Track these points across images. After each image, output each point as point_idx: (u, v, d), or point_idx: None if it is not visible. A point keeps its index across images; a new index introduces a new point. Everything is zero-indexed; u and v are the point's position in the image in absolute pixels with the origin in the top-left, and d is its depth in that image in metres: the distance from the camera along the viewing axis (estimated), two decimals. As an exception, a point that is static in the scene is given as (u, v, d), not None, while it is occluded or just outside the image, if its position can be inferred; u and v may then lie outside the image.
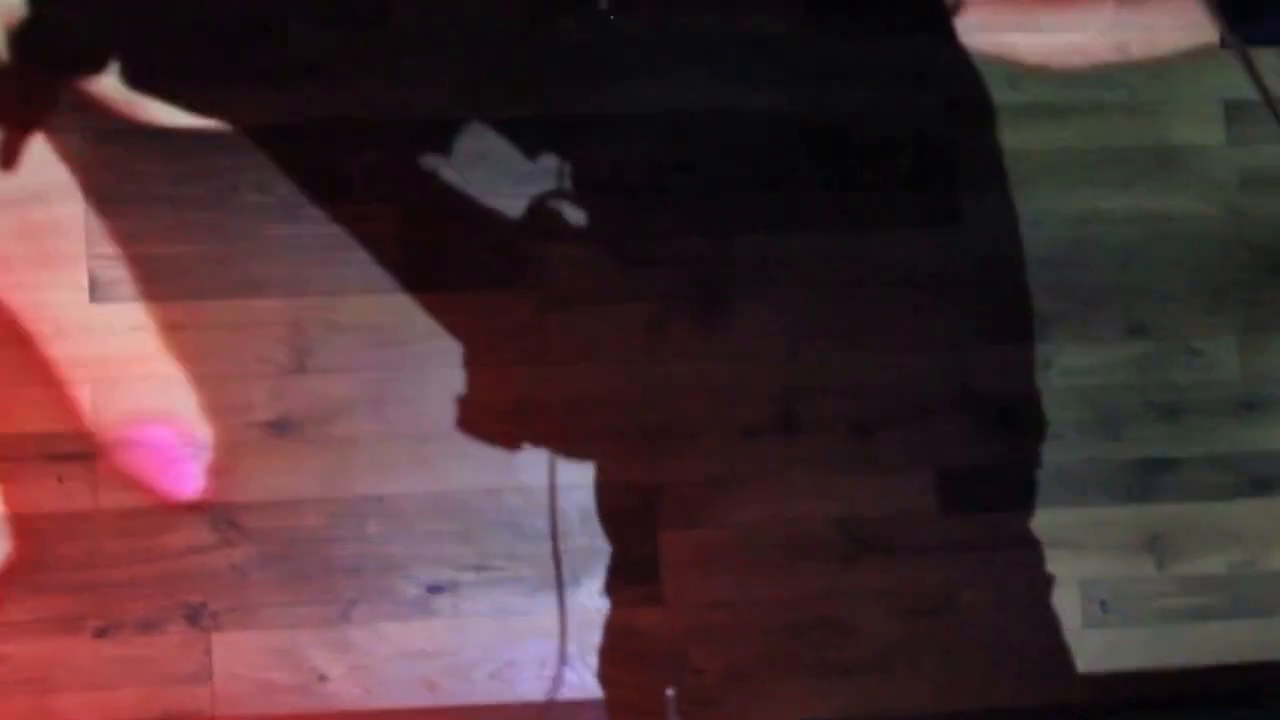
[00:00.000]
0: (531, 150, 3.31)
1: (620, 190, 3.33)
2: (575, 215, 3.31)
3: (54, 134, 3.18)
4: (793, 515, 3.33)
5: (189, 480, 3.17)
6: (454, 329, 3.26)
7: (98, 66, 3.18)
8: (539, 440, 3.27)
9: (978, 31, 3.45)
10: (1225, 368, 3.48)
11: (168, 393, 3.18)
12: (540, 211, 3.30)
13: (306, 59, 3.26)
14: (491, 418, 3.26)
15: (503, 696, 3.23)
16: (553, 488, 3.25)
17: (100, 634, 3.13)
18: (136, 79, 3.20)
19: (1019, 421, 3.41)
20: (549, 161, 3.31)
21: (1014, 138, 3.44)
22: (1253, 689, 3.41)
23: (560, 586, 3.25)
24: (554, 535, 3.25)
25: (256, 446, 3.20)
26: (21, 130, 3.16)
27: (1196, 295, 3.49)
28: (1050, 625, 3.36)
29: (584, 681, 3.26)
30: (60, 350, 3.16)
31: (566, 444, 3.28)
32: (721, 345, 3.34)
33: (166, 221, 3.20)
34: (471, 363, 3.26)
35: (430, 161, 3.28)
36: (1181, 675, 3.41)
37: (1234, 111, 3.50)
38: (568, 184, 3.31)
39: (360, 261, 3.25)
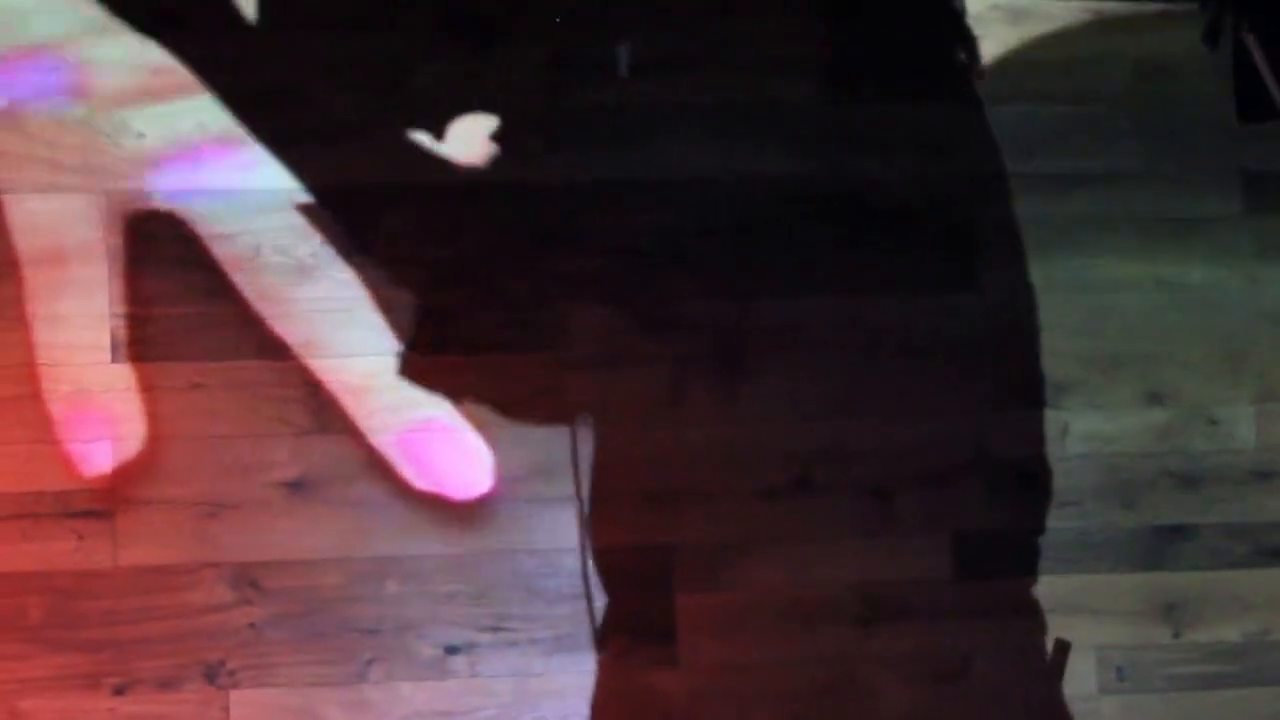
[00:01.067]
0: (550, 215, 3.33)
1: (639, 254, 3.35)
2: (594, 279, 3.33)
3: (75, 194, 3.20)
4: (808, 579, 3.35)
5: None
6: (471, 392, 3.28)
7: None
8: (553, 502, 3.29)
9: (995, 101, 3.47)
10: (1242, 436, 3.50)
11: (187, 452, 3.21)
12: (558, 275, 3.31)
13: (327, 123, 3.28)
14: (509, 480, 3.28)
15: (519, 758, 3.28)
16: (583, 548, 3.28)
17: (119, 691, 3.15)
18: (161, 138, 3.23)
19: (1035, 487, 3.43)
20: (568, 226, 3.34)
21: (1031, 206, 3.46)
22: (1268, 757, 3.42)
23: (591, 644, 3.28)
24: (587, 595, 3.28)
25: (275, 506, 3.22)
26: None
27: (1214, 364, 3.50)
28: (1064, 693, 3.37)
29: (599, 744, 3.27)
30: (80, 409, 3.17)
31: (582, 506, 3.29)
32: (738, 409, 3.35)
33: (188, 282, 3.22)
34: (490, 425, 3.28)
35: (446, 225, 3.30)
36: (1198, 742, 3.42)
37: (1252, 181, 3.52)
38: (584, 248, 3.33)
39: (379, 324, 3.26)
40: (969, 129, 3.46)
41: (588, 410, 3.31)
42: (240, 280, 3.23)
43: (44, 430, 3.16)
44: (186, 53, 3.22)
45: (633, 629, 3.29)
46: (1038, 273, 3.45)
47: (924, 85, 3.46)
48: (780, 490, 3.36)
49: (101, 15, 3.19)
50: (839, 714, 3.33)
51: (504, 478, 3.27)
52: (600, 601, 3.28)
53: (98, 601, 3.16)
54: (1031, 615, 3.39)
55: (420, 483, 3.25)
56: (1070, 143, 3.49)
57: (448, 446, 3.27)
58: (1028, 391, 3.44)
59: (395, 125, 3.30)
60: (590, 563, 3.27)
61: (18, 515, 3.14)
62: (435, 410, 3.26)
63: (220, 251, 3.23)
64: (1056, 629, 3.39)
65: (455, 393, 3.27)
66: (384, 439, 3.24)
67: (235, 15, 3.25)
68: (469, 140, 3.32)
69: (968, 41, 3.44)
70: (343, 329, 3.25)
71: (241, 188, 3.25)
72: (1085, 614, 3.41)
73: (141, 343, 3.20)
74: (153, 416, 3.19)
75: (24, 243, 3.17)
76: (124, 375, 3.19)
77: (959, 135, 3.46)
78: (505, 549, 3.27)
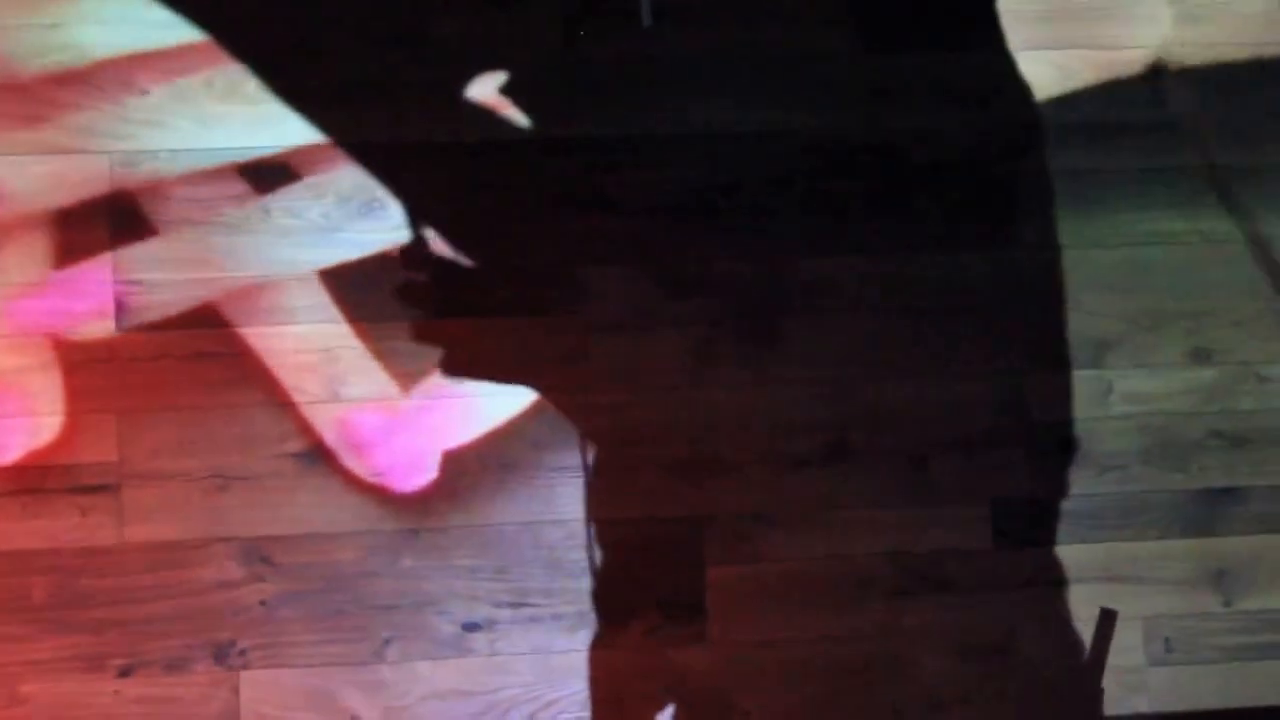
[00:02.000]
0: (571, 172, 3.31)
1: (664, 213, 3.32)
2: (618, 239, 3.31)
3: (80, 157, 3.17)
4: (843, 550, 3.33)
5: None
6: (492, 356, 3.25)
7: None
8: (579, 471, 3.26)
9: (1034, 49, 3.44)
10: (1293, 394, 3.52)
11: (196, 423, 3.19)
12: (581, 235, 3.29)
13: (342, 79, 3.26)
14: (530, 447, 3.26)
15: (542, 739, 3.26)
16: (588, 522, 3.26)
17: (124, 673, 3.13)
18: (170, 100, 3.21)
19: (1077, 451, 3.40)
20: (590, 184, 3.31)
21: (1071, 158, 3.43)
22: (1324, 729, 3.41)
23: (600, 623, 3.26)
24: (592, 571, 3.26)
25: (288, 478, 3.20)
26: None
27: (1262, 319, 3.46)
28: (1110, 664, 3.34)
29: (627, 723, 3.27)
30: (84, 379, 3.16)
31: (608, 475, 3.27)
32: (769, 373, 3.33)
33: (195, 245, 3.20)
34: (510, 392, 3.26)
35: (467, 182, 3.28)
36: (1249, 715, 3.39)
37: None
38: (610, 207, 3.31)
39: (395, 287, 3.24)
40: (1006, 79, 3.42)
41: (612, 376, 3.28)
42: (250, 243, 3.21)
43: (46, 401, 3.14)
44: (200, 8, 3.20)
45: (660, 604, 3.28)
46: (1079, 227, 3.42)
47: (961, 33, 3.42)
48: (813, 458, 3.33)
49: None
50: (876, 691, 3.31)
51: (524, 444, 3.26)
52: (625, 575, 3.25)
53: (102, 580, 3.15)
54: (1075, 584, 3.37)
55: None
56: (1113, 92, 3.45)
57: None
58: (1069, 351, 3.40)
59: (411, 81, 3.27)
60: (599, 537, 3.26)
61: (19, 490, 3.13)
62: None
63: (229, 213, 3.21)
64: (1101, 599, 3.36)
65: (472, 358, 3.24)
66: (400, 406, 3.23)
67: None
68: (488, 95, 3.29)
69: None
70: (356, 292, 3.22)
71: (251, 146, 3.22)
72: (1131, 583, 3.39)
73: (147, 309, 3.18)
74: (160, 386, 3.17)
75: (24, 206, 3.14)
76: (129, 343, 3.17)
77: (995, 86, 3.43)
78: (528, 520, 3.25)
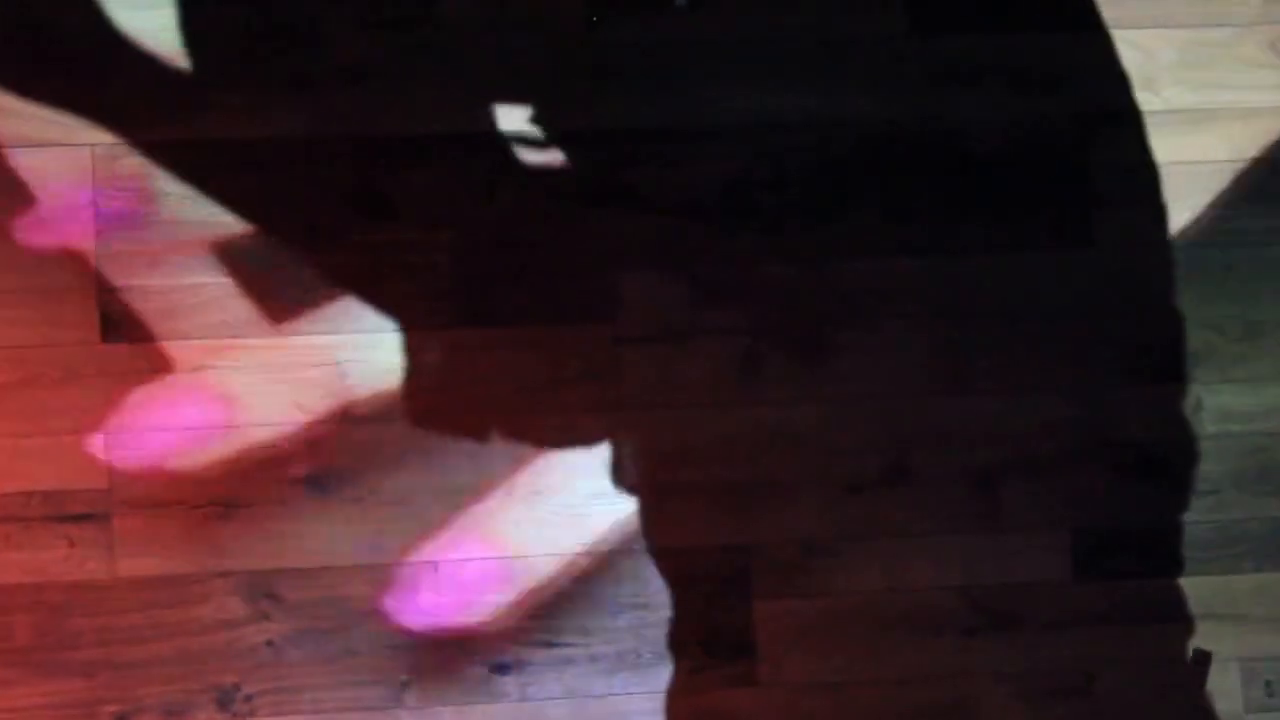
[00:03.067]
0: (599, 168, 3.29)
1: (701, 212, 3.30)
2: (649, 241, 3.29)
3: (63, 148, 3.19)
4: (905, 583, 3.29)
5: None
6: (513, 371, 3.24)
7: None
8: (615, 499, 3.25)
9: (1111, 28, 3.41)
10: (1406, 412, 3.47)
11: (192, 444, 3.18)
12: (608, 237, 3.28)
13: (344, 65, 3.24)
14: (560, 472, 3.25)
15: (577, 793, 3.27)
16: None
17: (120, 721, 3.23)
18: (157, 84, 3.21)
19: (1165, 474, 3.37)
20: (619, 180, 3.29)
21: (1154, 148, 3.40)
22: None
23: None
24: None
25: (294, 506, 3.18)
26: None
27: (1372, 328, 3.50)
28: (1205, 711, 3.31)
29: (667, 775, 3.25)
30: (69, 396, 3.15)
31: (646, 502, 3.25)
32: (820, 388, 3.30)
33: (189, 248, 3.19)
34: (533, 409, 3.24)
35: (483, 180, 3.27)
36: (1358, 767, 3.37)
37: None
38: (640, 205, 3.30)
39: (407, 294, 3.23)
40: (1081, 60, 3.40)
41: (645, 393, 3.27)
42: (249, 245, 3.20)
43: (29, 422, 3.14)
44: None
45: (704, 643, 3.25)
46: (1165, 225, 3.40)
47: (1025, 10, 3.40)
48: (871, 481, 3.30)
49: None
50: (942, 738, 3.33)
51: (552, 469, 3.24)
52: (666, 612, 3.24)
53: (93, 618, 3.12)
54: (1163, 622, 3.34)
55: (460, 477, 3.21)
56: (1200, 74, 3.43)
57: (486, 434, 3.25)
58: (1155, 363, 3.38)
59: (420, 68, 3.26)
60: (638, 569, 3.24)
61: (1, 519, 3.12)
62: (473, 391, 3.23)
63: (225, 212, 3.20)
64: (1193, 638, 3.34)
65: (490, 373, 3.23)
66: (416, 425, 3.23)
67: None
68: (505, 83, 3.29)
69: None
70: (365, 300, 3.22)
71: (248, 138, 3.21)
72: (1227, 620, 3.35)
73: (137, 319, 3.17)
74: (153, 404, 3.16)
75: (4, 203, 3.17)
76: (117, 357, 3.16)
77: (1069, 67, 3.40)
78: (558, 551, 3.23)
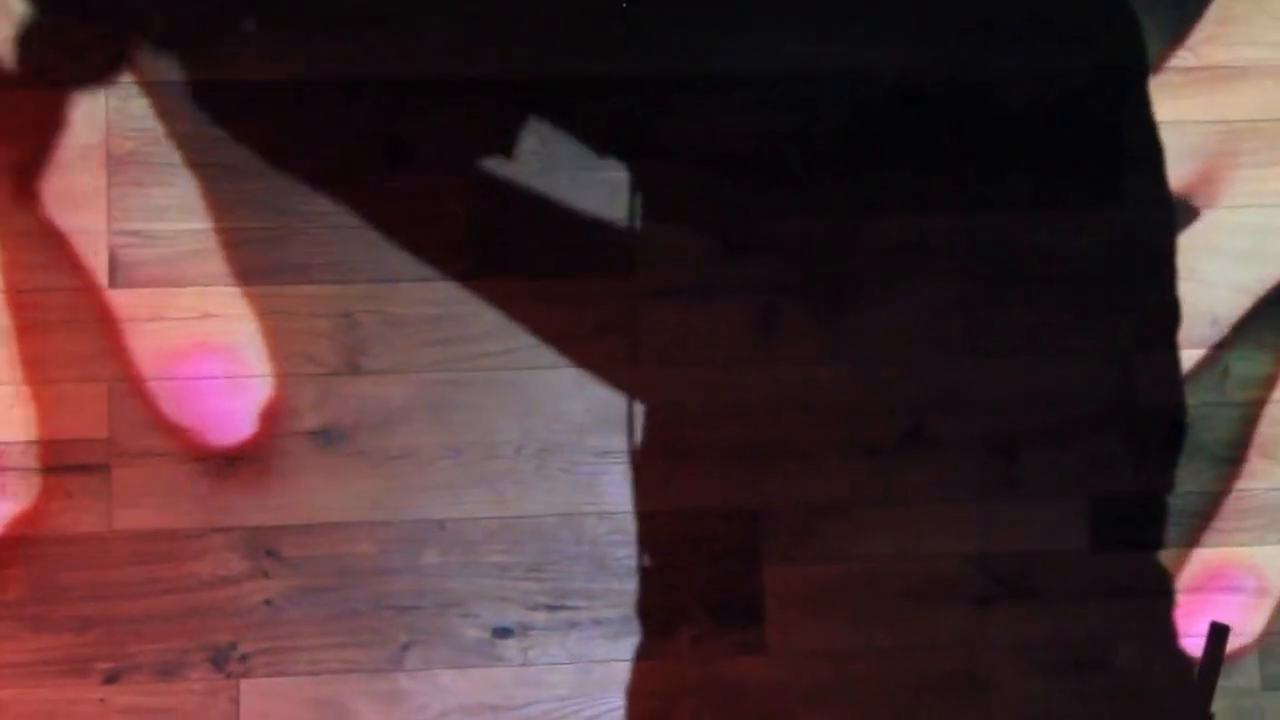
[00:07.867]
0: (622, 115, 3.29)
1: (724, 164, 3.31)
2: (672, 192, 3.29)
3: (74, 90, 3.17)
4: (920, 550, 3.33)
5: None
6: (529, 324, 3.25)
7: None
8: (625, 457, 3.27)
9: None
10: None
11: (196, 395, 3.18)
12: (632, 188, 3.27)
13: (366, 6, 3.23)
14: (570, 429, 3.26)
15: (580, 759, 3.19)
16: (637, 515, 3.28)
17: (111, 679, 3.16)
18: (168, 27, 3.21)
19: (1188, 441, 3.40)
20: (643, 130, 3.29)
21: (1186, 105, 3.42)
22: None
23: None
24: (640, 570, 3.26)
25: (298, 460, 3.20)
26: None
27: (1406, 293, 3.43)
28: (1222, 688, 3.27)
29: (675, 743, 3.20)
30: (73, 344, 3.15)
31: (657, 462, 3.27)
32: (840, 348, 3.33)
33: (198, 193, 3.19)
34: (549, 364, 3.26)
35: (504, 126, 3.26)
36: (1378, 745, 3.32)
37: None
38: (662, 155, 3.29)
39: (422, 244, 3.23)
40: (1113, 15, 3.40)
41: (662, 349, 3.28)
42: (258, 190, 3.21)
43: (31, 369, 3.14)
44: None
45: (713, 609, 3.28)
46: (1194, 185, 3.41)
47: None
48: (888, 445, 3.33)
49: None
50: (956, 710, 3.32)
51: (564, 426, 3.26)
52: (674, 575, 3.26)
53: (88, 572, 3.15)
54: (1182, 595, 3.38)
55: (468, 434, 3.24)
56: (1233, 30, 3.44)
57: (497, 390, 3.26)
58: (1180, 327, 3.40)
59: (443, 9, 3.26)
60: (645, 531, 3.26)
61: None
62: (486, 346, 3.25)
63: (235, 156, 3.21)
64: (1212, 611, 3.35)
65: (507, 324, 3.24)
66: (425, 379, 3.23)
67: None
68: (525, 27, 3.28)
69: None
70: (378, 249, 3.23)
71: (260, 80, 3.22)
72: (1247, 594, 3.40)
73: (144, 265, 3.18)
74: (156, 352, 3.16)
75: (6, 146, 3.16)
76: (123, 303, 3.16)
77: (1101, 23, 3.41)
78: (566, 511, 3.26)
